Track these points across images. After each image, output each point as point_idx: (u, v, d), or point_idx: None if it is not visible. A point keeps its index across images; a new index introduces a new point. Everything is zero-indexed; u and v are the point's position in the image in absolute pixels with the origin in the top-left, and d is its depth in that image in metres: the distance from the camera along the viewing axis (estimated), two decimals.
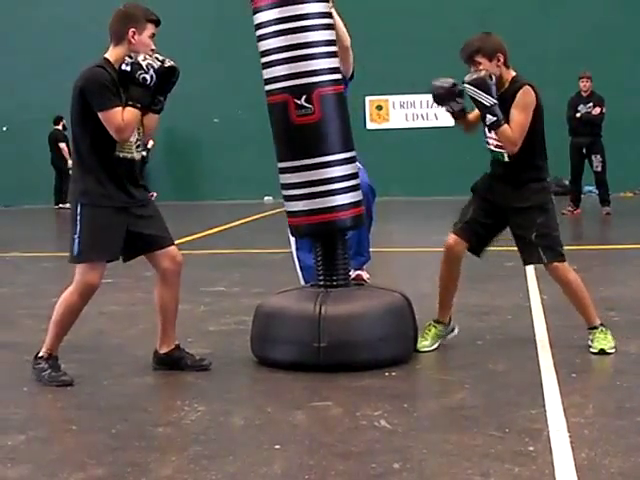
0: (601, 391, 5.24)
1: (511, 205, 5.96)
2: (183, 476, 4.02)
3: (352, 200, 5.85)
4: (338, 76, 5.82)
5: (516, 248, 6.10)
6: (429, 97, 6.18)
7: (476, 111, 6.02)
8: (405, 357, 5.85)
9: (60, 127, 20.97)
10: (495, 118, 5.77)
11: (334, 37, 5.82)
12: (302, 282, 6.94)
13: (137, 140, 5.54)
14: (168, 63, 5.46)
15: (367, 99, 20.75)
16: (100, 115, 5.29)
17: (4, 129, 21.93)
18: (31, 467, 4.18)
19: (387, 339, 5.74)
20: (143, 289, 8.28)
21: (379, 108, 21.09)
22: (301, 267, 7.11)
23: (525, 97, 5.84)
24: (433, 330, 6.23)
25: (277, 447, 4.34)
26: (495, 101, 5.77)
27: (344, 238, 6.03)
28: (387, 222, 14.05)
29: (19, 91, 21.50)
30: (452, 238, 6.10)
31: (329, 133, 5.76)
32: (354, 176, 5.88)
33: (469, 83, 5.79)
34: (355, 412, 4.85)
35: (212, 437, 4.55)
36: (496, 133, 5.83)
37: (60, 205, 20.63)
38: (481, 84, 5.77)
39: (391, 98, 20.94)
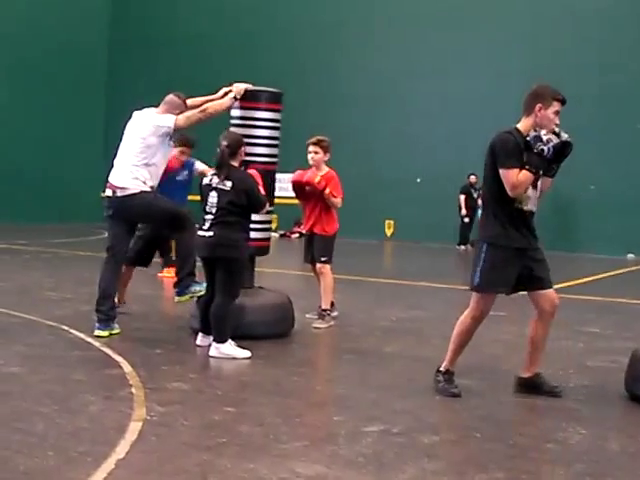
0: None
1: None
2: None
3: None
4: None
5: None
6: None
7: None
8: None
9: (468, 181, 21.13)
10: None
11: None
12: None
13: (537, 197, 5.55)
14: (564, 138, 5.42)
15: None
16: (500, 172, 5.37)
17: (418, 180, 22.49)
18: (444, 464, 4.26)
19: None
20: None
21: None
22: None
23: None
24: None
25: None
26: None
27: None
28: None
29: (433, 150, 22.06)
30: None
31: None
32: None
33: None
34: None
35: (593, 458, 4.42)
36: None
37: (462, 246, 20.89)
38: None
39: None
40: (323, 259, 8.33)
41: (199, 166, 9.42)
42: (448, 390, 5.61)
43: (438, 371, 5.74)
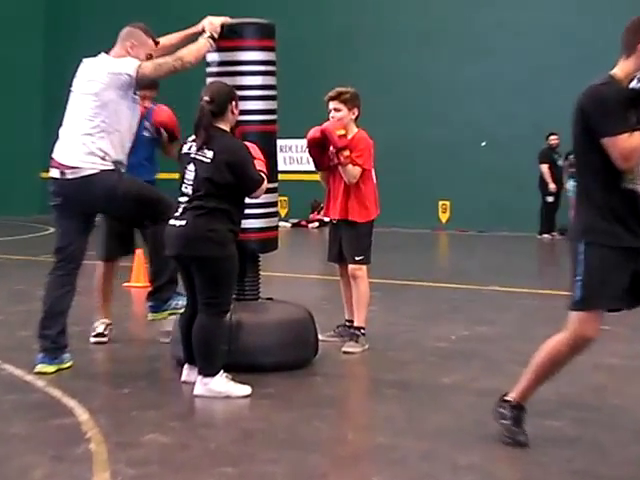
0: None
1: None
2: None
3: None
4: None
5: None
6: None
7: None
8: None
9: (548, 144, 20.78)
10: None
11: None
12: None
13: None
14: None
15: None
16: (603, 142, 5.21)
17: (483, 144, 22.35)
18: None
19: None
20: None
21: None
22: None
23: None
24: None
25: None
26: None
27: None
28: None
29: (500, 102, 21.89)
30: None
31: None
32: None
33: None
34: None
35: None
36: None
37: (544, 234, 20.66)
38: None
39: None
40: (358, 258, 8.29)
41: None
42: (514, 435, 5.52)
43: (504, 401, 5.63)
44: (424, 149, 22.56)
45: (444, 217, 23.04)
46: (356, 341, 8.24)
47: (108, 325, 8.54)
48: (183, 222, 6.67)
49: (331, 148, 8.20)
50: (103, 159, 7.17)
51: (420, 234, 21.16)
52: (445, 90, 22.57)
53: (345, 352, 8.14)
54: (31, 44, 26.55)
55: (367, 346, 8.24)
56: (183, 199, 6.73)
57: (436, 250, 20.19)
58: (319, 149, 8.29)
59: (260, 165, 6.85)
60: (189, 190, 6.71)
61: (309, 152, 8.37)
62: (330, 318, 8.65)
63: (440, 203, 23.02)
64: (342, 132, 8.18)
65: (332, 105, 8.29)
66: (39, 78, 26.47)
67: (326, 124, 8.22)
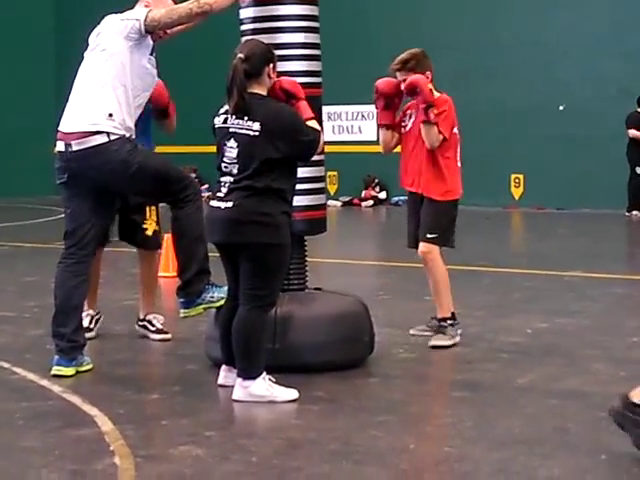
0: None
1: None
2: None
3: None
4: None
5: None
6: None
7: None
8: None
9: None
10: None
11: None
12: None
13: None
14: None
15: None
16: None
17: (561, 108, 22.22)
18: None
19: None
20: None
21: None
22: None
23: None
24: None
25: None
26: None
27: None
28: None
29: (583, 60, 21.74)
30: None
31: None
32: None
33: None
34: None
35: None
36: None
37: (634, 212, 20.46)
38: None
39: None
40: (430, 236, 8.23)
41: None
42: None
43: (634, 405, 5.39)
44: (493, 114, 22.47)
45: (517, 193, 22.97)
46: (444, 332, 8.22)
47: (94, 317, 8.58)
48: (229, 204, 6.64)
49: (419, 105, 8.03)
50: (110, 117, 7.11)
51: (490, 213, 21.06)
52: (517, 46, 22.45)
53: (432, 346, 8.14)
54: (43, 14, 26.91)
55: (458, 339, 8.24)
56: (226, 179, 6.71)
57: (508, 231, 20.12)
58: (390, 106, 8.23)
59: (311, 120, 6.83)
60: (232, 169, 6.68)
61: (378, 105, 8.30)
62: (389, 310, 8.64)
63: (512, 177, 22.94)
64: (430, 86, 8.03)
65: (400, 76, 8.18)
66: (51, 46, 26.72)
67: (415, 76, 8.05)
